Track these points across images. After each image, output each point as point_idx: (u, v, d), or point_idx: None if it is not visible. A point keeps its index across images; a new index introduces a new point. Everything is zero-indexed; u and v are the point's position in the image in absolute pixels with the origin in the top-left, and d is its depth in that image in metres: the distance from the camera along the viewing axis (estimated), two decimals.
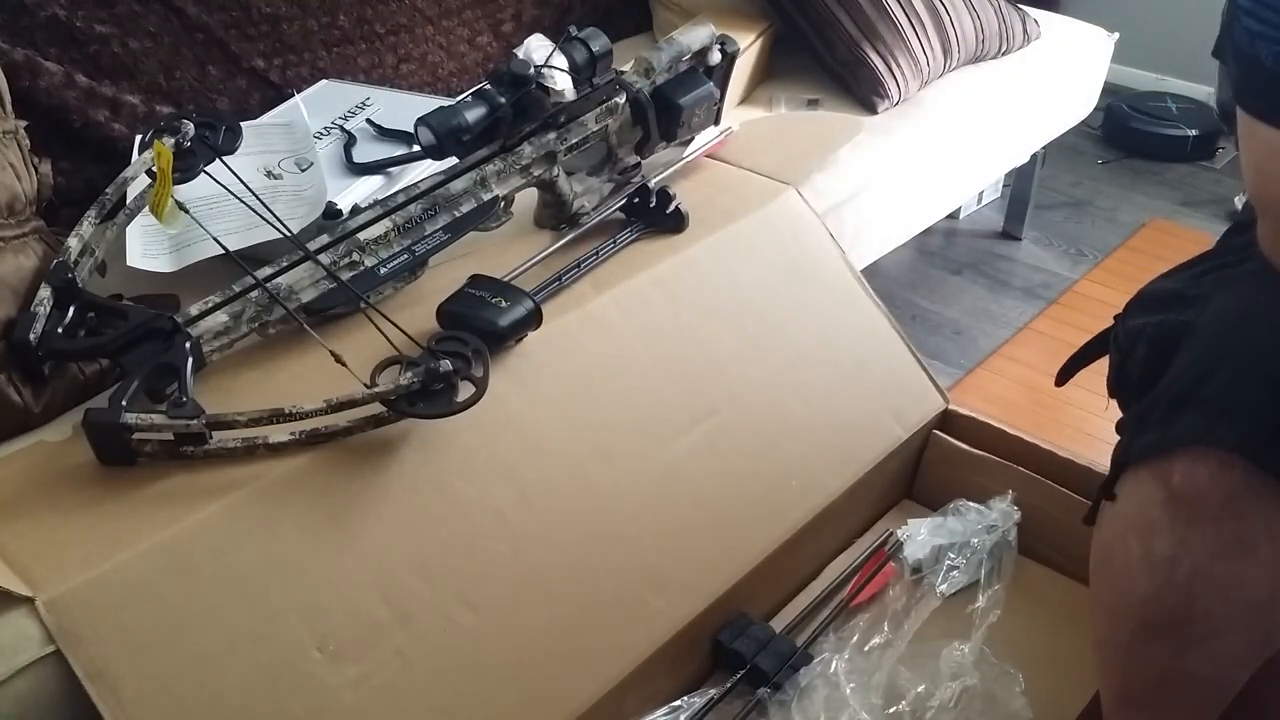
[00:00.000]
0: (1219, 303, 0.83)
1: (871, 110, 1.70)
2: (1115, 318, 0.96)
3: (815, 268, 1.28)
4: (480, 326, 0.98)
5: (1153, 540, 0.80)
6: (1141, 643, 0.84)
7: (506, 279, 1.07)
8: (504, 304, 1.00)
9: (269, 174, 1.15)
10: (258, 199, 0.98)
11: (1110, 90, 2.40)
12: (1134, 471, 0.83)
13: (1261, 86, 0.77)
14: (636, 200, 1.21)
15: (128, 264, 1.06)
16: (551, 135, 1.13)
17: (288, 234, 0.97)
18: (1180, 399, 0.80)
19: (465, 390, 0.91)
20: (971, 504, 1.20)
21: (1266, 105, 0.77)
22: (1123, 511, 0.85)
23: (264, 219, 0.97)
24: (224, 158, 1.05)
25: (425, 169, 1.23)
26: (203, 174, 1.04)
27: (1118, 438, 0.88)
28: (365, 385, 0.88)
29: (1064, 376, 1.03)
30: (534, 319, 1.02)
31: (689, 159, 1.34)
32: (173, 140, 1.02)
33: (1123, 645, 0.86)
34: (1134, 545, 0.82)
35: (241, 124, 1.10)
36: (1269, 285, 0.80)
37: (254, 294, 0.95)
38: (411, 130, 1.09)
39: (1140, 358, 0.88)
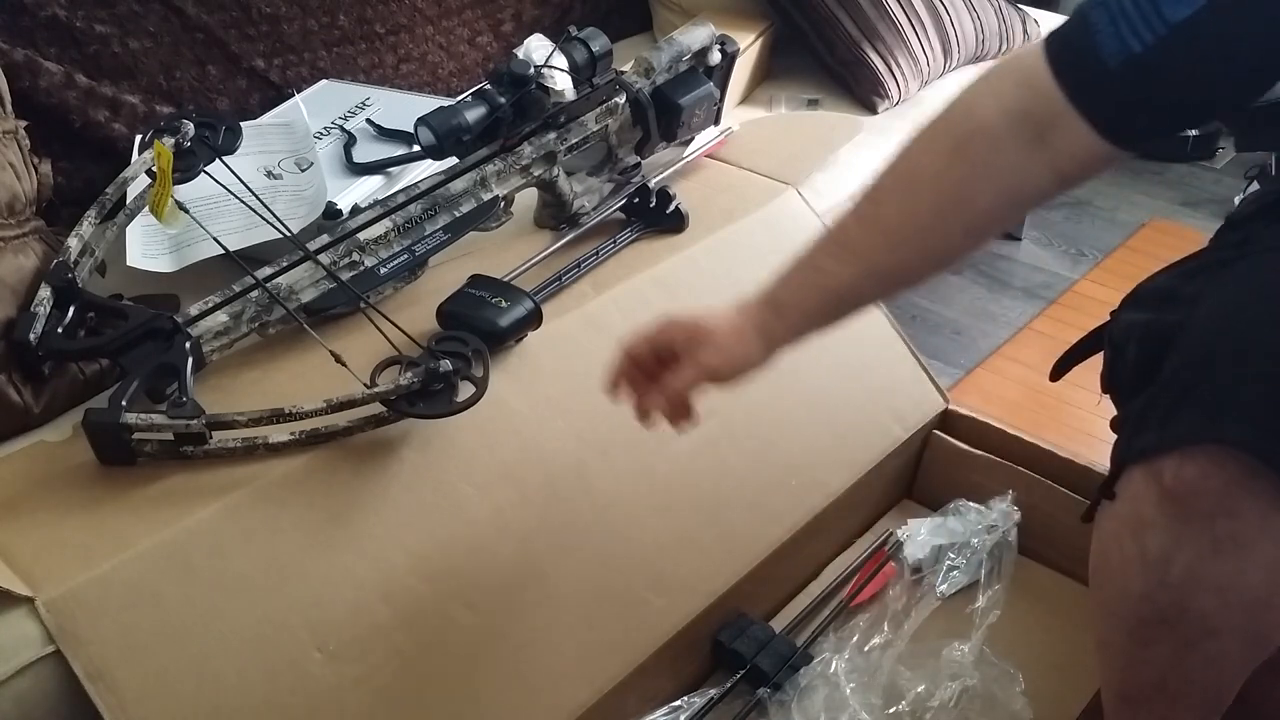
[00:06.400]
0: (1214, 301, 0.83)
1: (871, 110, 1.70)
2: (1111, 314, 0.96)
3: None
4: (480, 326, 0.98)
5: (1147, 538, 0.80)
6: (1139, 643, 0.84)
7: (506, 279, 1.07)
8: (504, 304, 1.00)
9: (269, 174, 1.15)
10: (258, 199, 0.98)
11: None
12: (1130, 471, 0.83)
13: None
14: (636, 200, 1.21)
15: (128, 264, 1.05)
16: (551, 135, 1.12)
17: (288, 234, 0.97)
18: (1179, 399, 0.80)
19: (465, 390, 0.91)
20: (971, 504, 1.20)
21: None
22: (1119, 511, 0.85)
23: (264, 219, 0.97)
24: (224, 158, 1.05)
25: (425, 169, 1.22)
26: (203, 174, 1.04)
27: (1115, 437, 0.88)
28: (365, 385, 0.88)
29: (1058, 372, 1.03)
30: (534, 319, 1.02)
31: (689, 159, 1.34)
32: (173, 140, 1.02)
33: (1121, 645, 0.86)
34: (1129, 544, 0.82)
35: (241, 124, 1.10)
36: (1264, 284, 0.79)
37: (254, 294, 0.95)
38: (411, 130, 1.08)
39: (1131, 356, 0.89)
